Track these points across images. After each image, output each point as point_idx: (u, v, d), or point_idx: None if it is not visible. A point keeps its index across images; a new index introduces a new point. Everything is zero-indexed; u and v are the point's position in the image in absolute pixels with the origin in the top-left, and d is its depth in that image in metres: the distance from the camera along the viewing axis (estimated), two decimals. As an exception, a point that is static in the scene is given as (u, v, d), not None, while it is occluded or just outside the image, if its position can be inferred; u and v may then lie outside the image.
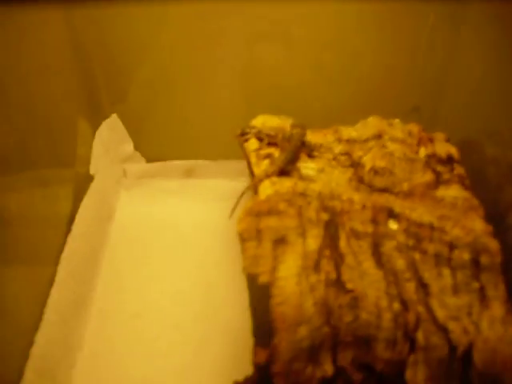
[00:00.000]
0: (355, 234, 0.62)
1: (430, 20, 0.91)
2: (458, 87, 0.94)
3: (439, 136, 0.79)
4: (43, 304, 0.76)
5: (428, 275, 0.60)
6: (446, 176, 0.73)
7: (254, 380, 0.59)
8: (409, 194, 0.69)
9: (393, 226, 0.64)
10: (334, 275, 0.59)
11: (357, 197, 0.66)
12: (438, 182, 0.72)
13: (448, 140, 0.78)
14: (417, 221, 0.64)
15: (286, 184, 0.65)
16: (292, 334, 0.55)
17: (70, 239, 0.84)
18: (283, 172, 0.69)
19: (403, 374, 0.57)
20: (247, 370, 0.59)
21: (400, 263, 0.61)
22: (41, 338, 0.71)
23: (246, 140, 0.75)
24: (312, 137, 0.76)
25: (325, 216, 0.63)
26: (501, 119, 0.80)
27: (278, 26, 0.91)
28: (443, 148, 0.76)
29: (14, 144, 0.77)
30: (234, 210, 0.71)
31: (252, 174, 0.71)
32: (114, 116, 1.00)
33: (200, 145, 1.02)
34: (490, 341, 0.57)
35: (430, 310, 0.58)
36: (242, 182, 0.97)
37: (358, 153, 0.73)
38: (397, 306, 0.58)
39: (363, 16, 0.90)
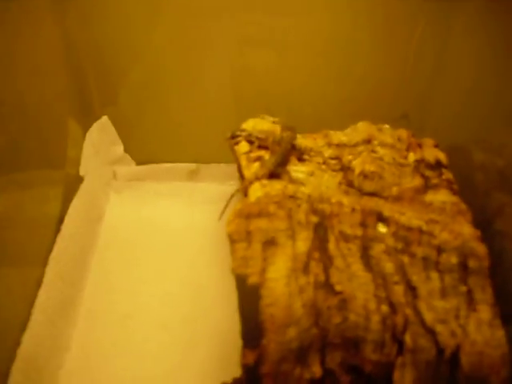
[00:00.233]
0: (344, 237, 0.63)
1: (419, 28, 0.92)
2: (447, 94, 0.95)
3: (428, 142, 0.79)
4: (31, 305, 0.75)
5: (416, 278, 0.61)
6: (434, 181, 0.73)
7: (242, 381, 0.59)
8: (398, 198, 0.69)
9: (382, 229, 0.64)
10: (322, 277, 0.59)
11: (346, 200, 0.66)
12: (427, 186, 0.72)
13: (437, 146, 0.79)
14: (405, 224, 0.64)
15: (276, 186, 0.66)
16: (281, 336, 0.55)
17: (59, 239, 0.83)
18: (273, 175, 0.69)
19: (391, 375, 0.58)
20: (236, 371, 0.59)
21: (389, 266, 0.61)
22: (28, 338, 0.71)
23: (237, 143, 0.75)
24: (302, 141, 0.77)
25: (314, 219, 0.63)
26: (488, 126, 0.81)
27: (270, 31, 0.92)
28: (432, 153, 0.76)
29: (3, 144, 0.76)
30: (223, 212, 0.71)
31: (242, 176, 0.71)
32: (105, 118, 1.00)
33: (190, 148, 1.02)
34: (477, 344, 0.57)
35: (418, 312, 0.59)
36: (232, 186, 0.98)
37: (347, 157, 0.74)
38: (385, 308, 0.59)
39: (355, 23, 0.91)
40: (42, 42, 0.85)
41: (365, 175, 0.70)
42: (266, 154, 0.73)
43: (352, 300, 0.58)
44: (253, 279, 0.57)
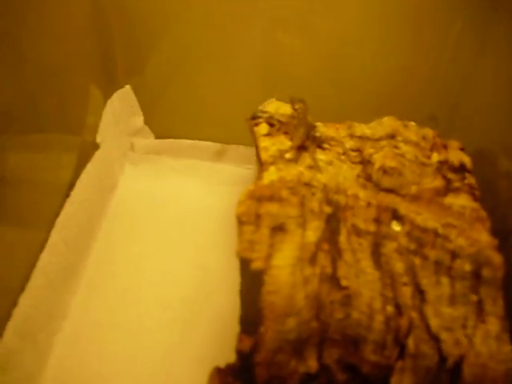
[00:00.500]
0: (356, 231, 0.61)
1: (456, 27, 0.89)
2: (478, 99, 0.92)
3: (454, 144, 0.77)
4: (32, 267, 0.74)
5: (426, 282, 0.59)
6: (456, 184, 0.70)
7: (235, 368, 0.58)
8: (416, 198, 0.67)
9: (396, 227, 0.62)
10: (329, 270, 0.57)
11: (362, 193, 0.64)
12: (448, 189, 0.70)
13: (462, 149, 0.76)
14: (421, 225, 0.62)
15: (291, 171, 0.64)
16: (279, 325, 0.54)
17: (68, 204, 0.82)
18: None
19: (389, 379, 0.56)
20: (232, 357, 0.58)
21: (399, 266, 0.59)
22: (25, 299, 0.70)
23: (257, 124, 0.74)
24: (323, 129, 0.75)
25: (328, 209, 0.61)
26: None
27: (300, 15, 0.89)
28: (456, 156, 0.74)
29: (21, 104, 0.75)
30: None
31: (259, 159, 0.70)
32: (128, 87, 0.99)
33: (212, 127, 1.00)
34: (481, 356, 0.55)
35: (423, 317, 0.57)
36: (250, 170, 0.97)
37: (368, 150, 0.72)
38: (390, 309, 0.57)
39: (388, 14, 0.88)
40: (70, 4, 0.84)
41: (384, 170, 0.68)
42: (285, 139, 0.71)
43: (357, 297, 0.56)
44: (257, 264, 0.55)
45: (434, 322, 0.56)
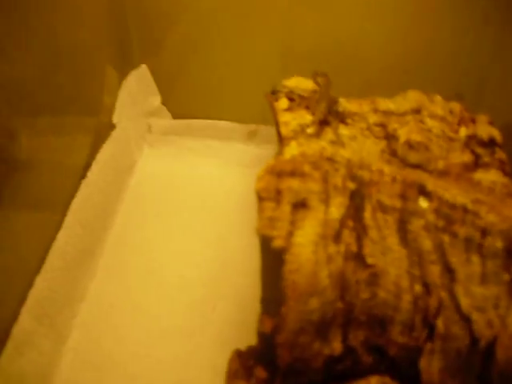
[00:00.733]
0: (382, 208, 0.58)
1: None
2: (505, 73, 0.89)
3: (482, 118, 0.74)
4: (48, 250, 0.73)
5: (455, 260, 0.56)
6: (485, 159, 0.68)
7: (257, 350, 0.56)
8: (443, 173, 0.64)
9: (423, 203, 0.59)
10: (354, 248, 0.55)
11: (387, 169, 0.61)
12: (477, 164, 0.67)
13: (491, 123, 0.73)
14: (449, 201, 0.59)
15: (313, 146, 0.61)
16: (302, 305, 0.51)
17: (84, 185, 0.81)
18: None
19: (417, 362, 0.53)
20: (252, 339, 0.57)
21: (427, 244, 0.57)
22: (41, 281, 0.69)
23: (277, 99, 0.71)
24: (346, 105, 0.72)
25: (351, 185, 0.58)
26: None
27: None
28: (485, 130, 0.71)
29: (36, 85, 0.73)
30: None
31: (279, 135, 0.67)
32: (144, 67, 0.97)
33: (229, 106, 0.98)
34: (515, 337, 0.52)
35: (453, 296, 0.54)
36: (268, 150, 0.95)
37: (393, 125, 0.69)
38: (418, 288, 0.54)
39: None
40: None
41: (410, 145, 0.65)
42: (306, 114, 0.68)
43: (383, 275, 0.54)
44: (278, 242, 0.53)
45: (464, 302, 0.54)
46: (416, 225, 0.58)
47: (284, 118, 0.67)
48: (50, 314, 0.69)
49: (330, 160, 0.60)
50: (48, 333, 0.68)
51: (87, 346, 0.71)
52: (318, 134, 0.65)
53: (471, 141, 0.69)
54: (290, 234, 0.53)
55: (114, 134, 0.90)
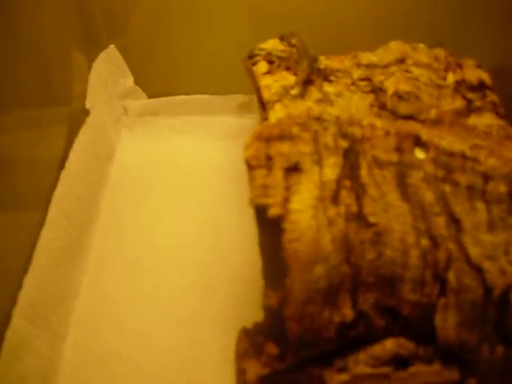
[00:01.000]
0: (378, 163, 0.55)
1: None
2: (486, 13, 0.87)
3: (469, 62, 0.72)
4: (34, 248, 0.70)
5: (460, 209, 0.54)
6: (477, 103, 0.66)
7: (264, 326, 0.54)
8: (437, 122, 0.62)
9: (420, 154, 0.57)
10: (354, 208, 0.52)
11: (379, 123, 0.58)
12: (469, 109, 0.65)
13: (479, 66, 0.71)
14: (446, 149, 0.57)
15: (299, 107, 0.59)
16: (307, 274, 0.49)
17: (64, 177, 0.77)
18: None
19: (432, 319, 0.51)
20: (257, 316, 0.54)
21: (428, 196, 0.54)
22: (30, 281, 0.66)
23: (255, 63, 0.69)
24: (327, 62, 0.70)
25: (344, 143, 0.55)
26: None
27: None
28: (474, 74, 0.69)
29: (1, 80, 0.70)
30: None
31: (261, 100, 0.64)
32: (112, 47, 0.94)
33: (205, 78, 0.95)
34: (530, 283, 0.50)
35: (462, 247, 0.52)
36: (250, 119, 0.92)
37: (378, 78, 0.67)
38: (425, 242, 0.52)
39: None
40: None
41: (399, 96, 0.63)
42: (287, 75, 0.65)
43: (388, 233, 0.51)
44: (274, 211, 0.50)
45: (473, 252, 0.51)
46: (415, 177, 0.55)
47: (265, 81, 0.65)
48: (43, 314, 0.67)
49: (319, 119, 0.57)
50: (43, 334, 0.66)
51: (87, 342, 0.69)
52: (302, 95, 0.62)
53: (460, 86, 0.68)
54: (286, 201, 0.51)
55: (89, 121, 0.87)
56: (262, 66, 0.68)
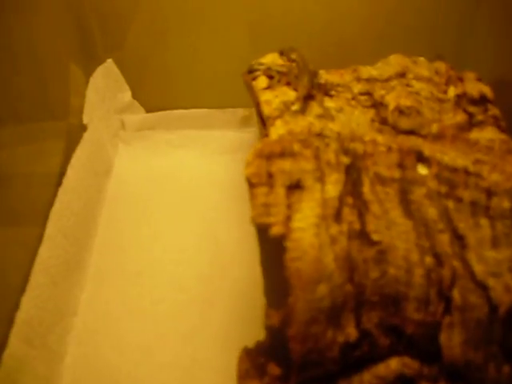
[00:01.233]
0: (380, 180, 0.55)
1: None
2: (484, 28, 0.86)
3: (469, 75, 0.71)
4: (31, 265, 0.69)
5: (463, 226, 0.53)
6: (479, 117, 0.66)
7: (266, 345, 0.53)
8: (439, 137, 0.62)
9: (422, 170, 0.56)
10: (357, 225, 0.51)
11: (380, 138, 0.58)
12: (471, 123, 0.65)
13: (480, 79, 0.71)
14: (449, 165, 0.56)
15: (300, 123, 0.58)
16: (310, 293, 0.48)
17: (61, 193, 0.77)
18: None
19: (436, 337, 0.50)
20: (258, 334, 0.53)
21: (431, 212, 0.53)
22: (28, 301, 0.65)
23: (255, 78, 0.68)
24: (327, 76, 0.70)
25: (345, 159, 0.55)
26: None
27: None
28: (475, 87, 0.69)
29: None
30: None
31: (260, 116, 0.64)
32: (110, 61, 0.94)
33: (203, 92, 0.95)
34: (537, 299, 0.49)
35: (466, 264, 0.51)
36: (249, 133, 0.91)
37: (379, 92, 0.66)
38: (429, 259, 0.51)
39: None
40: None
41: (400, 111, 0.63)
42: (288, 90, 0.65)
43: (391, 251, 0.50)
44: (276, 229, 0.49)
45: (478, 269, 0.51)
46: (418, 194, 0.55)
47: (265, 96, 0.64)
48: (41, 334, 0.66)
49: (320, 135, 0.57)
50: (41, 354, 0.65)
51: (85, 360, 0.68)
52: (303, 110, 0.61)
53: (462, 100, 0.67)
54: (288, 219, 0.50)
55: (87, 136, 0.86)
56: (262, 81, 0.67)
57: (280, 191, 0.51)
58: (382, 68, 0.71)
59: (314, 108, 0.62)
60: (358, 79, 0.69)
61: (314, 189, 0.52)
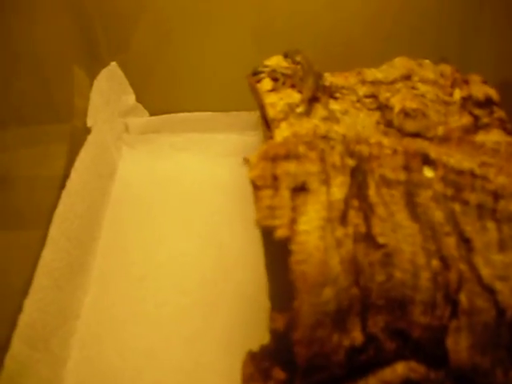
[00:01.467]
0: (386, 183, 0.54)
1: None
2: (487, 30, 0.86)
3: (475, 78, 0.71)
4: (34, 269, 0.69)
5: (470, 229, 0.52)
6: (484, 120, 0.65)
7: (271, 349, 0.52)
8: (444, 139, 0.61)
9: (428, 173, 0.56)
10: (363, 228, 0.51)
11: (386, 141, 0.57)
12: (477, 126, 0.64)
13: (485, 82, 0.71)
14: (455, 167, 0.56)
15: (305, 125, 0.58)
16: (315, 297, 0.48)
17: (65, 196, 0.76)
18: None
19: (443, 342, 0.50)
20: (263, 338, 0.53)
21: (438, 215, 0.53)
22: (31, 304, 0.65)
23: (259, 80, 0.68)
24: (331, 79, 0.69)
25: (351, 162, 0.55)
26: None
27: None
28: (480, 90, 0.68)
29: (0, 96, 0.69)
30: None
31: (265, 118, 0.64)
32: (114, 64, 0.93)
33: (207, 95, 0.95)
34: (544, 303, 0.49)
35: (473, 268, 0.51)
36: (253, 136, 0.91)
37: (384, 94, 0.66)
38: (436, 263, 0.50)
39: None
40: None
41: (406, 113, 0.62)
42: (292, 93, 0.65)
43: (397, 254, 0.50)
44: (281, 232, 0.49)
45: (485, 272, 0.50)
46: (424, 196, 0.54)
47: (270, 99, 0.64)
48: (43, 337, 0.65)
49: (325, 138, 0.56)
50: (44, 357, 0.64)
51: (89, 365, 0.68)
52: (308, 112, 0.61)
53: (467, 102, 0.67)
54: (293, 222, 0.50)
55: (91, 139, 0.86)
56: (267, 84, 0.67)
57: (285, 194, 0.51)
58: (387, 70, 0.70)
59: (319, 110, 0.62)
60: (363, 82, 0.69)
61: (319, 191, 0.52)
